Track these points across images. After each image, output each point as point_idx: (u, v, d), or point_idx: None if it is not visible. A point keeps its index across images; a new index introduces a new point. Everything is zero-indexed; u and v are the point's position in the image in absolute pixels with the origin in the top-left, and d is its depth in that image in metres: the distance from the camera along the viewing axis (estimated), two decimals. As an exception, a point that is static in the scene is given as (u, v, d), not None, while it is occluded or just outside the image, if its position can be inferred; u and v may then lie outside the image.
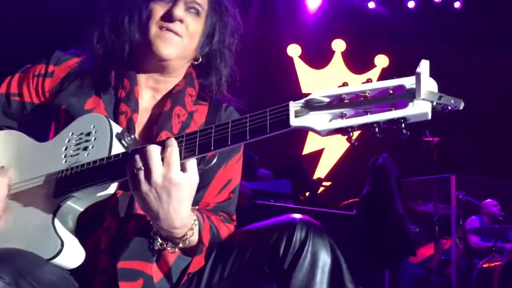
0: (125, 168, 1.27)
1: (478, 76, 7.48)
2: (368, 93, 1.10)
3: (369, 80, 1.12)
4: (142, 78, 1.60)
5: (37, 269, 1.26)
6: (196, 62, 1.64)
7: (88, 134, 1.42)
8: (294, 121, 1.16)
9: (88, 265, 1.36)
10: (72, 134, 1.46)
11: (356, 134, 1.14)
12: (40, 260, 1.30)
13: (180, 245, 1.36)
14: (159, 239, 1.37)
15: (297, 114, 1.16)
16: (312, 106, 1.15)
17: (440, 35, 7.62)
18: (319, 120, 1.13)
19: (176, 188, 1.23)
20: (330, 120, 1.12)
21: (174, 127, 1.53)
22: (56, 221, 1.35)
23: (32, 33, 4.93)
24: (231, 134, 1.23)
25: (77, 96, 1.56)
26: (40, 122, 1.66)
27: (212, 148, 1.24)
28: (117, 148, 1.38)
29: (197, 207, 1.52)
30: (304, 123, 1.15)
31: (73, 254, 1.34)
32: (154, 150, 1.24)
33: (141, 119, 1.56)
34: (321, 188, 6.63)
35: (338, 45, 8.46)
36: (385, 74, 7.61)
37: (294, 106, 1.17)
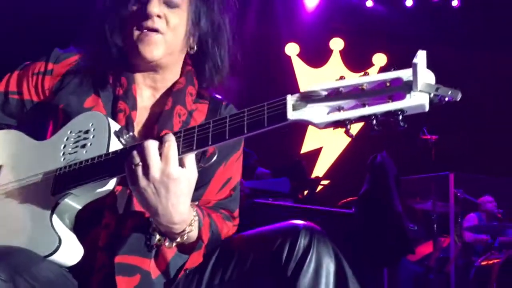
0: (123, 164, 1.27)
1: (476, 75, 7.49)
2: (366, 86, 1.10)
3: (366, 73, 1.12)
4: (139, 77, 1.60)
5: (34, 266, 1.25)
6: (191, 51, 1.61)
7: (87, 132, 1.42)
8: (292, 115, 1.15)
9: (86, 262, 1.36)
10: (70, 132, 1.46)
11: (354, 128, 1.14)
12: (37, 257, 1.29)
13: (178, 239, 1.36)
14: (157, 235, 1.37)
15: (295, 108, 1.16)
16: (309, 99, 1.15)
17: (438, 33, 7.63)
18: (317, 113, 1.13)
19: (175, 183, 1.23)
20: (328, 113, 1.12)
21: (175, 126, 1.53)
22: (54, 218, 1.35)
23: (32, 33, 4.92)
24: (229, 128, 1.22)
25: (77, 95, 1.56)
26: (39, 120, 1.65)
27: (210, 143, 1.24)
28: (116, 146, 1.38)
29: (197, 203, 1.52)
30: (302, 116, 1.14)
31: (71, 251, 1.34)
32: (151, 145, 1.23)
33: (140, 118, 1.56)
34: (320, 187, 6.62)
35: (336, 44, 8.48)
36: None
37: (291, 99, 1.17)
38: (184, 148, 1.26)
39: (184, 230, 1.34)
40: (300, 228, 1.38)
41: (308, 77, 8.27)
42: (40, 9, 5.04)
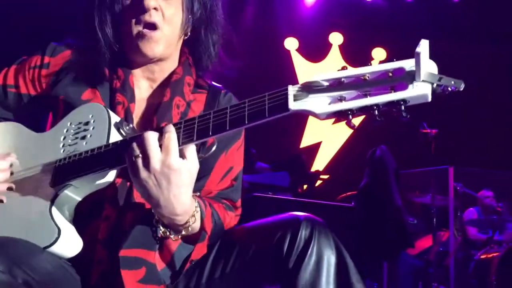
0: (123, 156, 1.27)
1: (476, 69, 7.48)
2: (368, 76, 1.09)
3: (368, 64, 1.12)
4: (136, 69, 1.59)
5: (32, 257, 1.25)
6: (185, 37, 1.61)
7: (87, 123, 1.42)
8: (293, 105, 1.15)
9: (85, 255, 1.35)
10: (70, 124, 1.45)
11: (354, 122, 1.13)
12: (36, 249, 1.28)
13: (183, 232, 1.36)
14: (161, 227, 1.37)
15: (296, 98, 1.15)
16: (311, 89, 1.14)
17: (438, 27, 7.61)
18: (318, 103, 1.12)
19: (176, 174, 1.23)
20: (329, 103, 1.12)
21: (174, 118, 1.52)
22: (54, 209, 1.34)
23: (32, 33, 4.91)
24: (229, 119, 1.22)
25: (74, 87, 1.55)
26: (37, 114, 1.65)
27: (211, 134, 1.23)
28: (116, 137, 1.37)
29: (199, 194, 1.51)
30: (303, 106, 1.14)
31: (70, 243, 1.33)
32: (151, 137, 1.23)
33: (139, 110, 1.56)
34: (319, 181, 6.63)
35: (336, 38, 8.46)
36: (382, 67, 7.57)
37: (293, 89, 1.16)
38: (184, 139, 1.25)
39: (187, 222, 1.34)
40: (301, 220, 1.38)
41: (307, 72, 8.25)
42: (41, 8, 5.03)
